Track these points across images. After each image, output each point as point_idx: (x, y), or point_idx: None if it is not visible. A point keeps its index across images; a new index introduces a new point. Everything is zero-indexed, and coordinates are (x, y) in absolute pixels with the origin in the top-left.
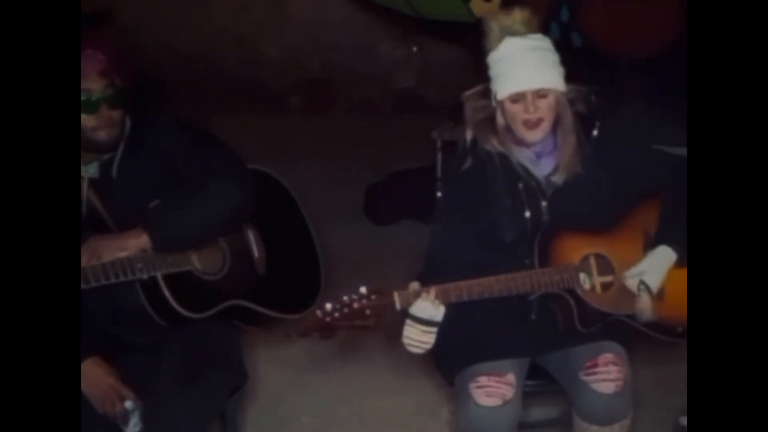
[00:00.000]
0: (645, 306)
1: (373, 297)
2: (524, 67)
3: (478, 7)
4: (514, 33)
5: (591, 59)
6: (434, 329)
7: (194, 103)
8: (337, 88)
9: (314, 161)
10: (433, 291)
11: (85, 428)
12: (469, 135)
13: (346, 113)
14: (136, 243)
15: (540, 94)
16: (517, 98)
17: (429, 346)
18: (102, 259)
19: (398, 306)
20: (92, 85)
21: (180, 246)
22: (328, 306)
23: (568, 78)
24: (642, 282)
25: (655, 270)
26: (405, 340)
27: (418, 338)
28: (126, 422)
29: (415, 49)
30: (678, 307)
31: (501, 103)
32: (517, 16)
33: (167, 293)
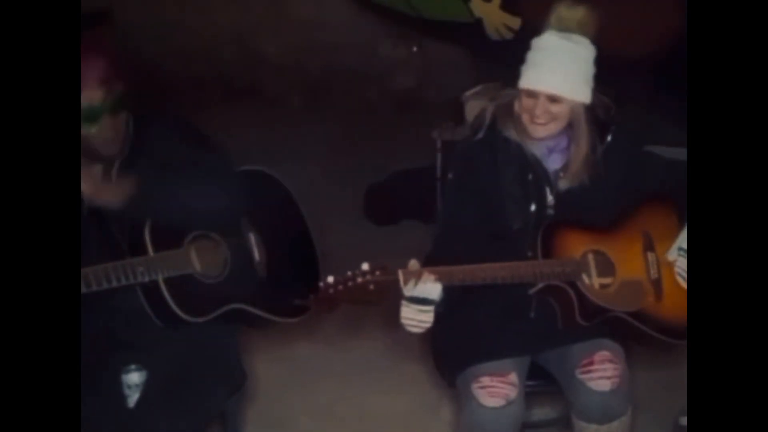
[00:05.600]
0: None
1: (377, 273)
2: (548, 67)
3: (478, 7)
4: (564, 28)
5: None
6: (430, 308)
7: (194, 102)
8: (337, 88)
9: (314, 161)
10: (435, 272)
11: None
12: (489, 114)
13: (346, 113)
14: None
15: (554, 98)
16: (532, 94)
17: (428, 325)
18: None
19: (402, 283)
20: (92, 94)
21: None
22: (331, 279)
23: None
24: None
25: None
26: (403, 321)
27: (415, 317)
28: None
29: (415, 49)
30: (679, 307)
31: (520, 91)
32: (578, 13)
33: (168, 297)
